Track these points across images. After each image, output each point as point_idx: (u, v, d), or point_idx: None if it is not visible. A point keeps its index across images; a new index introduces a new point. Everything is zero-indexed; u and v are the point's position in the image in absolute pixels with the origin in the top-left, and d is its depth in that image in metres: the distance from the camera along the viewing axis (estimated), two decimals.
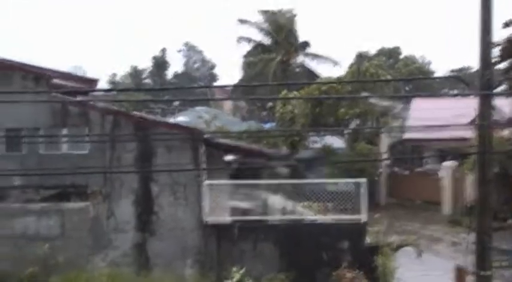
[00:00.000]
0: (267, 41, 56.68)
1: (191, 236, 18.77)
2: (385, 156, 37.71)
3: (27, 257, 17.90)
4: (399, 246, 19.94)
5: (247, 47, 57.16)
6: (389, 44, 70.45)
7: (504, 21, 26.28)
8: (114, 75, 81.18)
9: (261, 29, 56.26)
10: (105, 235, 18.59)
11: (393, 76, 55.61)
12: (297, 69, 56.13)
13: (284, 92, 40.24)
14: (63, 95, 19.52)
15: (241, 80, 59.86)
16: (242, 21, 55.64)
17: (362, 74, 38.78)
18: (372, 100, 37.19)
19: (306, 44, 56.21)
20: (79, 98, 19.44)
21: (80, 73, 38.93)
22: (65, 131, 19.13)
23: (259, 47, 57.30)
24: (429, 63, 77.77)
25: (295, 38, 56.28)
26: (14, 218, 18.53)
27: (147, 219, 18.73)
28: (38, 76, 19.02)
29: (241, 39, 56.16)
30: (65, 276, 17.65)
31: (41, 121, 18.66)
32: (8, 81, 18.81)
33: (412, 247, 20.57)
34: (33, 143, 18.59)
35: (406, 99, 48.15)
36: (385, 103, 39.98)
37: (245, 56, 58.77)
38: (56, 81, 19.24)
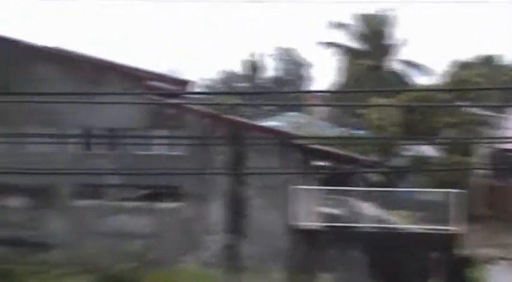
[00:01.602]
0: (359, 45, 56.74)
1: (280, 240, 19.26)
2: (481, 166, 37.10)
3: (121, 253, 18.96)
4: (493, 260, 19.80)
5: (336, 53, 57.45)
6: (484, 51, 68.48)
7: None
8: (209, 78, 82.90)
9: (354, 33, 56.41)
10: (196, 236, 19.42)
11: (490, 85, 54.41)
12: (389, 75, 55.90)
13: (373, 98, 40.22)
14: (158, 96, 20.58)
15: (334, 85, 60.09)
16: (335, 25, 55.92)
17: (462, 82, 38.30)
18: (471, 110, 36.71)
19: (398, 49, 55.93)
20: (173, 100, 20.44)
21: (175, 75, 40.27)
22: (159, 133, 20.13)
23: (351, 52, 57.47)
24: None
25: (389, 42, 56.06)
26: (109, 216, 19.69)
27: (237, 222, 19.42)
28: (133, 77, 20.15)
29: (329, 44, 56.50)
30: (155, 274, 18.60)
31: (136, 122, 19.70)
32: (104, 82, 20.00)
33: (506, 261, 20.36)
34: (129, 143, 19.67)
35: (505, 108, 47.06)
36: (485, 113, 39.37)
37: (338, 61, 59.08)
38: (151, 82, 20.29)
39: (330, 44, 56.91)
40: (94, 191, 20.02)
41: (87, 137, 20.11)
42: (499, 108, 46.71)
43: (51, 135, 18.98)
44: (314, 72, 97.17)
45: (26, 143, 19.63)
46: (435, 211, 19.11)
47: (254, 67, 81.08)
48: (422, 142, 38.31)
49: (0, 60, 20.77)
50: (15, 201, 20.24)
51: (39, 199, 20.11)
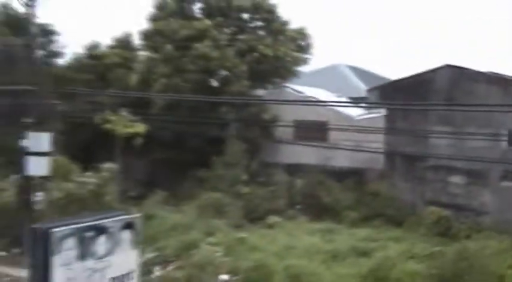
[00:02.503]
0: None
1: None
2: None
3: None
4: None
5: None
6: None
7: None
8: None
9: None
10: None
11: None
12: None
13: None
14: None
15: None
16: None
17: None
18: None
19: None
20: None
21: None
22: None
23: None
24: None
25: None
26: None
27: None
28: None
29: None
30: None
31: None
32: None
33: None
34: None
35: None
36: None
37: None
38: None
39: None
40: None
41: None
42: None
43: (486, 134, 21.33)
44: None
45: (467, 139, 22.33)
46: None
47: None
48: None
49: (450, 83, 23.88)
50: (456, 179, 23.26)
51: (475, 178, 22.77)
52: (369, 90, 28.05)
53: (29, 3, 17.15)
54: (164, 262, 15.79)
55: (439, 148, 22.80)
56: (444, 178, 23.33)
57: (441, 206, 22.41)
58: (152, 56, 27.02)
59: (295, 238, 18.72)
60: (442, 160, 22.27)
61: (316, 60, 52.31)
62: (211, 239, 17.21)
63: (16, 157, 16.96)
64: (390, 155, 24.41)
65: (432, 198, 23.29)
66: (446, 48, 64.71)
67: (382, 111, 25.27)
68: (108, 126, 22.18)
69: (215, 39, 25.67)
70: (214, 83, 26.63)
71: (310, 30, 29.04)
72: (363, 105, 27.15)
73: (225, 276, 14.71)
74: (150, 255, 15.56)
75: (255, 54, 26.41)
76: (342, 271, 15.22)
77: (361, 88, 34.18)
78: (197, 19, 27.26)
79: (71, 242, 6.63)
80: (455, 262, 14.56)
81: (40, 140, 16.27)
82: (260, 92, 27.82)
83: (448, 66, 24.05)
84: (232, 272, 14.86)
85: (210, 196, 21.79)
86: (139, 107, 23.50)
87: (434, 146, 23.13)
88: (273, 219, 21.16)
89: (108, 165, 19.26)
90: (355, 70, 40.65)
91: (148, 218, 18.18)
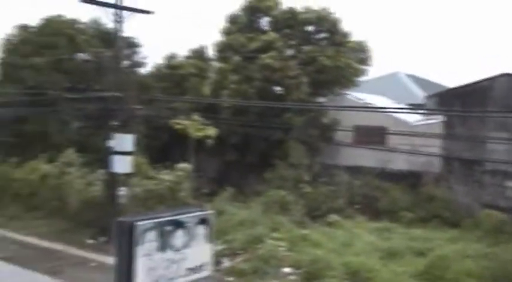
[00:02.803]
0: None
1: None
2: None
3: None
4: None
5: None
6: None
7: None
8: None
9: None
10: None
11: None
12: None
13: None
14: None
15: None
16: None
17: None
18: None
19: None
20: None
21: None
22: None
23: None
24: None
25: None
26: None
27: None
28: None
29: None
30: None
31: None
32: None
33: None
34: None
35: None
36: None
37: None
38: None
39: None
40: None
41: None
42: None
43: None
44: None
45: None
46: None
47: None
48: None
49: (507, 90, 22.86)
50: None
51: None
52: (428, 97, 27.39)
53: (117, 19, 17.88)
54: (232, 254, 15.99)
55: (496, 153, 21.88)
56: (501, 183, 22.37)
57: (498, 209, 21.46)
58: (223, 67, 27.50)
59: (354, 236, 18.48)
60: (500, 165, 21.38)
61: (377, 68, 51.76)
62: (275, 234, 17.25)
63: (103, 155, 17.74)
64: (447, 159, 23.70)
65: (489, 201, 22.40)
66: (504, 56, 62.20)
67: (440, 118, 24.62)
68: (182, 129, 22.71)
69: (280, 51, 25.82)
70: (278, 91, 26.76)
71: (371, 41, 28.76)
72: (420, 111, 26.50)
73: (287, 269, 14.74)
74: (219, 247, 15.81)
75: (316, 64, 26.33)
76: (399, 269, 14.88)
77: (420, 95, 33.40)
78: (265, 32, 27.50)
79: (152, 235, 6.82)
80: (506, 263, 13.96)
81: (124, 141, 16.93)
82: (321, 99, 27.70)
83: (506, 74, 23.11)
84: (294, 265, 14.86)
85: (275, 193, 21.86)
86: (211, 112, 23.94)
87: (492, 151, 22.21)
88: (332, 217, 20.99)
89: (183, 165, 19.77)
90: (414, 78, 39.81)
91: (219, 213, 18.51)
